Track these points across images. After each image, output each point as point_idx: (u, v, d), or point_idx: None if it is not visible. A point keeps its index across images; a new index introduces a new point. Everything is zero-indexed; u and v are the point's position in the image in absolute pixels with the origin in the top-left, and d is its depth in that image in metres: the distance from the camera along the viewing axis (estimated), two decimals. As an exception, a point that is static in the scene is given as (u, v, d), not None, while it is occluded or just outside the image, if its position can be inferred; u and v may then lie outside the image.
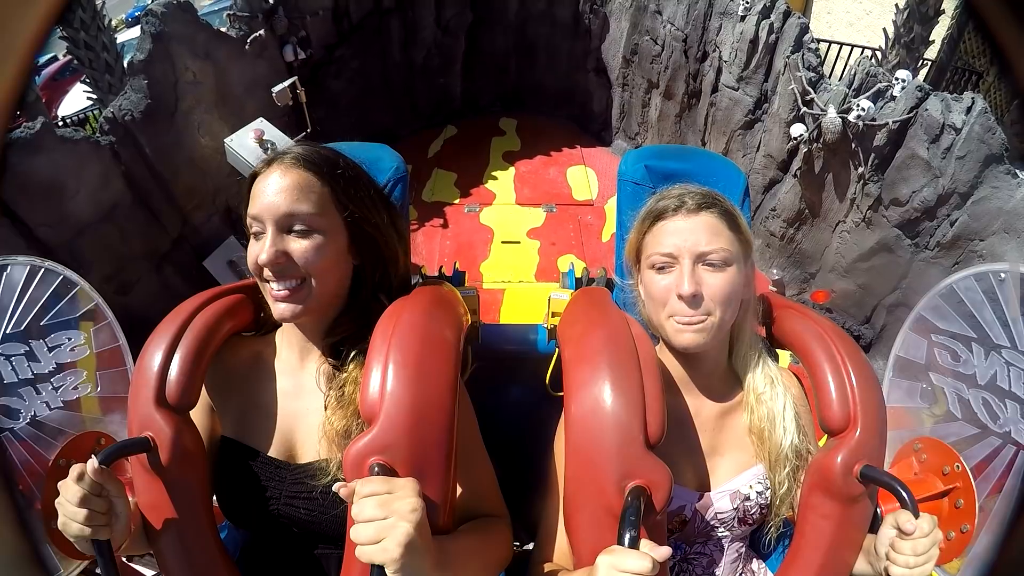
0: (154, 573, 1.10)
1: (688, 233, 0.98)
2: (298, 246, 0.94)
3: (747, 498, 1.05)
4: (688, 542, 1.08)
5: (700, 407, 1.07)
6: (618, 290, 1.37)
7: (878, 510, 1.02)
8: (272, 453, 1.00)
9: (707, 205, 1.00)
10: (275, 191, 0.94)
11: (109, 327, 1.41)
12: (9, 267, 1.30)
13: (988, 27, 0.41)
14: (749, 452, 1.07)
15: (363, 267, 1.05)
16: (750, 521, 1.06)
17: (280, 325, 1.09)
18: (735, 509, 1.05)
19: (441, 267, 1.47)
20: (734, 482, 1.05)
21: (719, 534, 1.07)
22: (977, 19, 0.42)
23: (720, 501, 1.04)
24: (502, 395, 1.62)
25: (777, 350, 1.16)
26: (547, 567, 1.00)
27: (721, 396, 1.08)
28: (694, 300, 0.96)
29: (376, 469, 0.78)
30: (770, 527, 1.08)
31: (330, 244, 0.97)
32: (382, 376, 0.83)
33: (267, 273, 0.94)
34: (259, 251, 0.93)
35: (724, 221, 0.99)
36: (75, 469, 0.82)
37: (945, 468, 1.14)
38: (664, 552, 0.72)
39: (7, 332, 1.27)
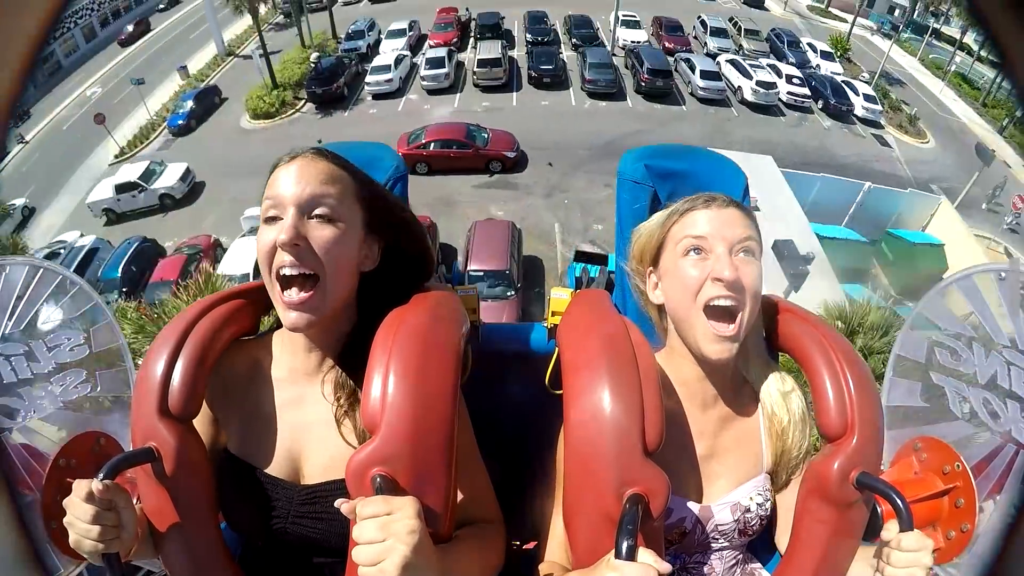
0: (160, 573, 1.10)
1: (722, 222, 0.99)
2: (319, 233, 0.91)
3: (748, 510, 1.05)
4: (687, 552, 1.07)
5: (701, 413, 1.06)
6: (618, 292, 1.36)
7: (879, 512, 1.02)
8: (278, 471, 0.99)
9: (735, 204, 1.03)
10: (300, 174, 0.92)
11: (109, 327, 1.41)
12: (8, 267, 1.29)
13: (988, 27, 0.41)
14: (750, 460, 1.06)
15: (377, 272, 1.03)
16: (750, 532, 1.06)
17: (278, 328, 1.08)
18: (736, 521, 1.05)
19: (441, 265, 1.47)
20: (735, 494, 1.05)
21: (719, 545, 1.07)
22: (977, 19, 0.42)
23: (721, 513, 1.04)
24: (502, 394, 1.62)
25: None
26: (548, 565, 1.00)
27: (722, 402, 1.07)
28: (734, 285, 0.95)
29: (378, 481, 0.78)
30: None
31: (349, 237, 0.95)
32: (383, 386, 0.83)
33: (280, 258, 0.90)
34: (277, 231, 0.89)
35: (750, 219, 1.02)
36: (82, 487, 0.81)
37: (945, 467, 1.14)
38: (666, 568, 0.73)
39: (6, 332, 1.27)
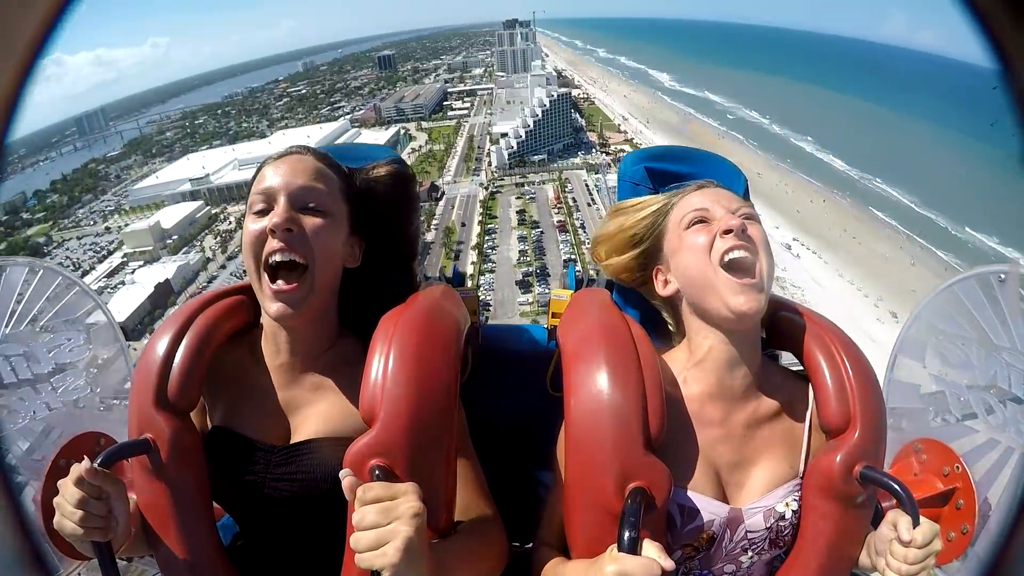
0: (154, 574, 1.09)
1: (719, 196, 1.03)
2: (310, 222, 0.94)
3: (782, 517, 0.96)
4: (711, 567, 0.99)
5: (729, 408, 1.00)
6: (618, 291, 1.36)
7: (879, 507, 1.02)
8: (260, 438, 1.00)
9: (725, 187, 1.07)
10: (293, 169, 0.96)
11: (109, 327, 1.41)
12: (8, 268, 1.29)
13: (988, 26, 0.41)
14: (785, 462, 1.00)
15: (358, 272, 1.05)
16: (781, 544, 0.98)
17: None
18: (768, 528, 0.96)
19: (442, 267, 1.47)
20: (768, 498, 0.97)
21: (747, 559, 0.98)
22: (977, 18, 0.42)
23: (753, 518, 0.96)
24: (502, 395, 1.62)
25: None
26: (546, 552, 1.00)
27: (753, 397, 1.01)
28: (743, 234, 0.95)
29: (377, 472, 0.78)
30: None
31: (337, 230, 0.98)
32: (382, 378, 0.83)
33: (271, 244, 0.92)
34: (270, 217, 0.92)
35: (746, 198, 1.07)
36: (75, 470, 0.82)
37: (945, 469, 1.14)
38: (670, 565, 0.72)
39: (6, 332, 1.27)
